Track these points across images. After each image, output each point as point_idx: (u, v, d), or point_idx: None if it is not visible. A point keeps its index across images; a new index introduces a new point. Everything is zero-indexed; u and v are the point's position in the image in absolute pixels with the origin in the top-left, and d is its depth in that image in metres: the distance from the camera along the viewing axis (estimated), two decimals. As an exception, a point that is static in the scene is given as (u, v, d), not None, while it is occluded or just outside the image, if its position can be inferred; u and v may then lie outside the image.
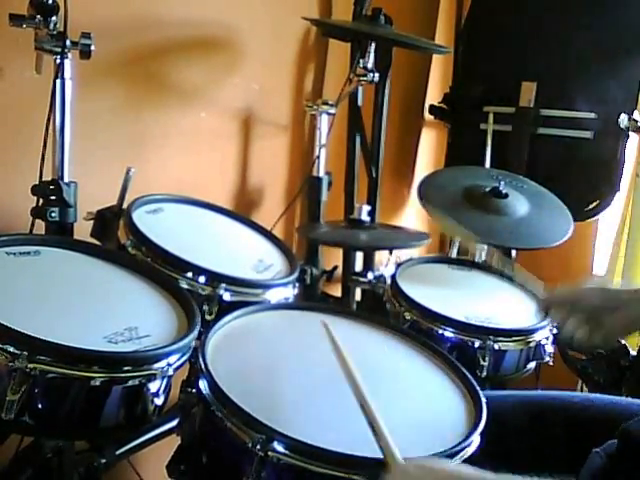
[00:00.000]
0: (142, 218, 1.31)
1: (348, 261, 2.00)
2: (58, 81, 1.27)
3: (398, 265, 1.56)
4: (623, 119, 2.12)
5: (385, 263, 1.66)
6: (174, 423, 1.21)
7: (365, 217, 1.72)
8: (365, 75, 1.80)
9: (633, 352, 1.82)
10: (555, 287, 1.23)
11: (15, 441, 1.24)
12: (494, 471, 0.79)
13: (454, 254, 2.12)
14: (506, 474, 0.77)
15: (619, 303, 1.10)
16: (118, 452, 1.32)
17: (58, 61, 1.26)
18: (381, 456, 0.86)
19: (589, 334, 1.09)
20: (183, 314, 1.10)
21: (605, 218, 2.28)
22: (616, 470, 0.93)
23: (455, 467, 0.86)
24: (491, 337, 1.32)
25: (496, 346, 1.33)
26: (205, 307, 1.20)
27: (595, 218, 2.22)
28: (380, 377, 1.08)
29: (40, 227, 1.31)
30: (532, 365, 1.44)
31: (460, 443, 0.92)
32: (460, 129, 2.44)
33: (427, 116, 2.48)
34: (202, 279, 1.22)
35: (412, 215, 2.47)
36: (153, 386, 0.96)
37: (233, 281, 1.24)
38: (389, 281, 1.49)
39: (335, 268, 1.91)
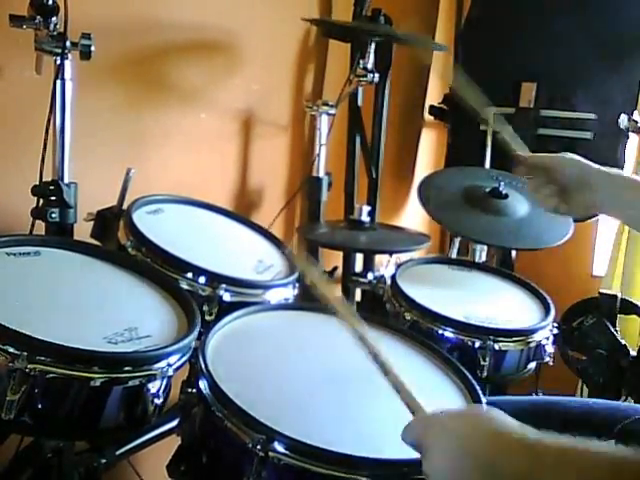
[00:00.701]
0: (142, 219, 1.31)
1: (348, 261, 2.00)
2: (58, 82, 1.27)
3: (398, 265, 1.56)
4: (623, 120, 2.12)
5: (385, 264, 1.66)
6: (174, 423, 1.21)
7: (365, 217, 1.71)
8: (365, 75, 1.80)
9: (633, 352, 1.82)
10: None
11: (15, 441, 1.24)
12: None
13: (454, 254, 2.12)
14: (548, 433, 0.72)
15: (589, 183, 1.18)
16: (118, 452, 1.31)
17: (58, 62, 1.26)
18: (381, 456, 0.86)
19: (557, 205, 1.21)
20: (183, 314, 1.10)
21: (605, 218, 2.28)
22: None
23: (491, 417, 0.76)
24: (491, 337, 1.32)
25: (496, 346, 1.33)
26: (205, 307, 1.20)
27: (595, 218, 2.22)
28: (380, 377, 1.08)
29: (40, 228, 1.32)
30: (532, 365, 1.44)
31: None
32: (460, 129, 2.44)
33: (427, 116, 2.48)
34: (202, 280, 1.22)
35: (412, 215, 2.47)
36: (153, 386, 0.95)
37: (233, 282, 1.24)
38: (389, 281, 1.49)
39: (335, 269, 1.91)
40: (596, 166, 1.21)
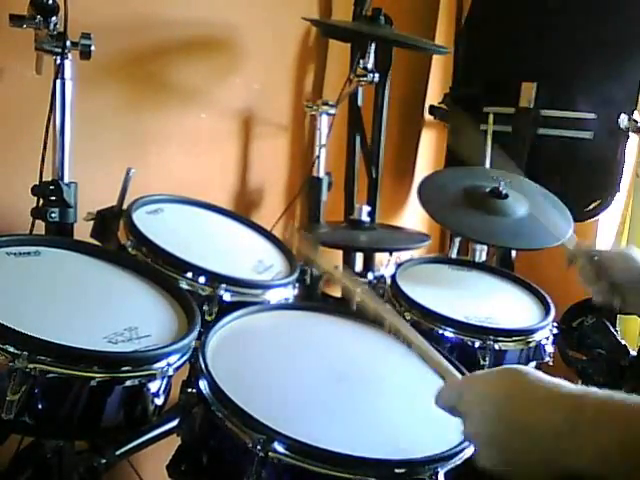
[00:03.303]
0: (142, 218, 1.31)
1: (348, 261, 2.00)
2: (58, 81, 1.27)
3: (398, 265, 1.56)
4: (623, 119, 2.12)
5: (385, 263, 1.66)
6: (174, 423, 1.21)
7: (365, 217, 1.72)
8: (365, 75, 1.80)
9: (633, 352, 1.82)
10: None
11: (15, 441, 1.24)
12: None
13: (454, 254, 2.12)
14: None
15: None
16: (118, 452, 1.31)
17: (58, 61, 1.26)
18: (380, 456, 0.86)
19: (611, 300, 1.20)
20: (183, 314, 1.11)
21: (605, 218, 2.28)
22: None
23: (524, 378, 0.75)
24: (491, 337, 1.32)
25: (496, 346, 1.33)
26: (205, 307, 1.20)
27: (595, 218, 2.22)
28: (380, 377, 1.08)
29: (40, 227, 1.32)
30: (532, 365, 1.44)
31: (461, 443, 0.92)
32: (460, 129, 2.44)
33: (427, 116, 2.48)
34: (202, 279, 1.22)
35: (412, 215, 2.47)
36: (153, 386, 0.96)
37: (233, 281, 1.24)
38: (389, 281, 1.49)
39: (335, 268, 1.91)
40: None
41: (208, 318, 1.19)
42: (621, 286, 1.18)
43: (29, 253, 1.13)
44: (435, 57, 2.44)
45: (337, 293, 2.00)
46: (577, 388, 0.72)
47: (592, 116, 2.17)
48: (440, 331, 1.35)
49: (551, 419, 0.70)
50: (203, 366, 0.97)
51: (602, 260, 1.21)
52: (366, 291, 0.96)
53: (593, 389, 0.71)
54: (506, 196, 1.67)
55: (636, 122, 2.12)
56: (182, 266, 1.22)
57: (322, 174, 1.91)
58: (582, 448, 0.68)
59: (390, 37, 1.81)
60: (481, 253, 1.93)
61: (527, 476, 0.72)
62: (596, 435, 0.68)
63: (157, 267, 1.21)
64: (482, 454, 0.76)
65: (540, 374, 0.75)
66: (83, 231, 1.35)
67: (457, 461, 0.90)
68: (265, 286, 1.29)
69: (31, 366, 0.86)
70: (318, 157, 1.89)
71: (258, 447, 0.85)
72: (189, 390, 1.00)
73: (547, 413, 0.71)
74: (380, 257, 1.88)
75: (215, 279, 1.22)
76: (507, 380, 0.77)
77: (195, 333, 1.04)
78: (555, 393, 0.72)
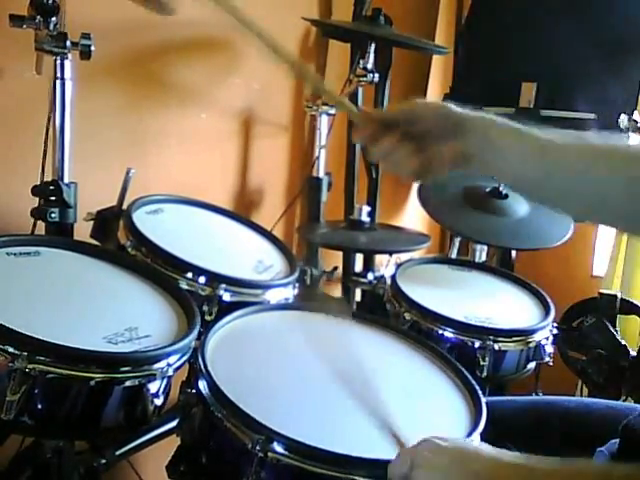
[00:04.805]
0: (142, 219, 1.31)
1: (348, 262, 2.00)
2: (58, 81, 1.27)
3: (398, 265, 1.56)
4: (623, 120, 2.12)
5: (385, 264, 1.66)
6: (174, 423, 1.21)
7: (365, 218, 1.72)
8: (365, 76, 1.80)
9: (633, 352, 1.82)
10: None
11: (15, 441, 1.24)
12: None
13: (454, 254, 2.12)
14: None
15: (459, 128, 0.90)
16: (118, 452, 1.32)
17: (58, 62, 1.26)
18: (380, 456, 0.86)
19: (417, 167, 0.90)
20: (183, 314, 1.10)
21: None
22: None
23: (476, 452, 0.78)
24: (491, 337, 1.33)
25: (496, 346, 1.33)
26: (205, 307, 1.20)
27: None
28: (380, 377, 1.08)
29: (40, 228, 1.32)
30: (532, 365, 1.44)
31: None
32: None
33: (427, 116, 2.48)
34: (202, 279, 1.22)
35: (412, 215, 2.47)
36: (153, 386, 0.96)
37: (233, 281, 1.24)
38: (389, 281, 1.49)
39: (335, 269, 1.91)
40: (472, 113, 0.93)
41: (208, 318, 1.19)
42: (428, 136, 0.90)
43: (29, 253, 1.13)
44: (435, 57, 2.44)
45: (337, 293, 2.01)
46: (524, 457, 0.73)
47: (592, 116, 2.17)
48: (440, 331, 1.35)
49: None
50: (202, 366, 0.97)
51: (412, 115, 0.91)
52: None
53: (539, 458, 0.73)
54: (506, 196, 1.68)
55: (636, 122, 2.12)
56: (182, 266, 1.22)
57: (322, 174, 1.91)
58: None
59: (390, 37, 1.81)
60: (481, 253, 1.93)
61: None
62: None
63: (157, 267, 1.21)
64: None
65: (491, 449, 0.77)
66: (83, 231, 1.35)
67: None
68: (265, 286, 1.29)
69: (31, 366, 0.86)
70: (318, 157, 1.89)
71: (257, 447, 0.85)
72: (188, 390, 1.00)
73: None
74: (380, 257, 1.88)
75: (215, 279, 1.22)
76: (458, 454, 0.78)
77: (195, 333, 1.04)
78: (507, 470, 0.73)
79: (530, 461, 0.72)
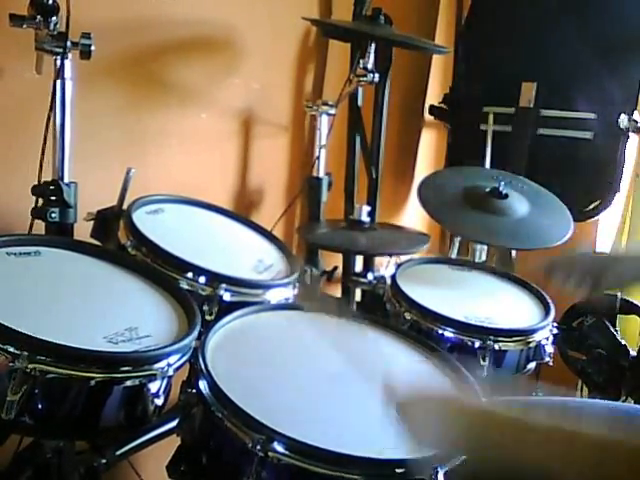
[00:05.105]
0: (142, 219, 1.31)
1: (348, 261, 2.00)
2: (58, 81, 1.27)
3: (398, 265, 1.56)
4: (623, 119, 2.12)
5: (385, 264, 1.66)
6: (174, 423, 1.21)
7: (365, 217, 1.71)
8: (365, 75, 1.79)
9: (633, 352, 1.82)
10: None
11: (15, 441, 1.24)
12: None
13: (454, 254, 2.12)
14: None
15: (608, 264, 1.20)
16: (118, 452, 1.31)
17: (58, 61, 1.26)
18: (380, 456, 0.87)
19: (589, 289, 1.20)
20: (183, 314, 1.11)
21: (605, 218, 2.28)
22: None
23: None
24: (491, 337, 1.33)
25: (496, 346, 1.33)
26: (205, 307, 1.20)
27: (595, 218, 2.22)
28: (380, 377, 1.08)
29: (40, 227, 1.31)
30: (532, 365, 1.44)
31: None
32: (460, 129, 2.44)
33: (427, 116, 2.48)
34: (202, 279, 1.22)
35: (412, 215, 2.47)
36: (153, 386, 0.96)
37: (233, 281, 1.24)
38: (389, 281, 1.49)
39: (335, 269, 1.91)
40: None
41: (208, 318, 1.19)
42: (592, 270, 1.21)
43: (29, 253, 1.13)
44: (435, 57, 2.44)
45: (337, 293, 2.01)
46: (524, 410, 0.78)
47: (592, 116, 2.18)
48: (440, 331, 1.35)
49: (499, 436, 0.74)
50: (203, 366, 0.97)
51: (570, 258, 1.25)
52: None
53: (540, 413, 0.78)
54: (506, 196, 1.67)
55: (636, 122, 2.12)
56: (182, 266, 1.22)
57: (322, 174, 1.90)
58: None
59: (390, 37, 1.81)
60: (481, 253, 1.93)
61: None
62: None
63: (157, 267, 1.21)
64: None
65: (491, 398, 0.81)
66: (83, 231, 1.35)
67: (457, 461, 0.90)
68: (265, 286, 1.29)
69: (31, 366, 0.86)
70: (318, 157, 1.89)
71: (258, 447, 0.86)
72: (189, 390, 1.00)
73: (496, 429, 0.76)
74: (380, 257, 1.88)
75: (215, 279, 1.22)
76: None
77: (195, 333, 1.04)
78: (505, 412, 0.77)
79: (528, 416, 0.73)
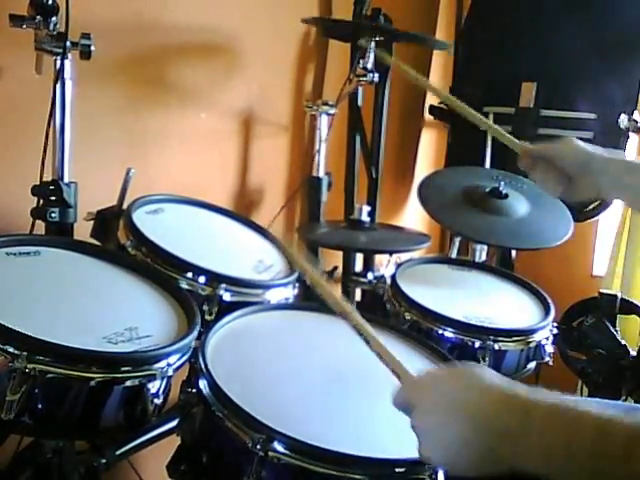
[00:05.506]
0: (142, 218, 1.31)
1: (348, 261, 2.00)
2: (58, 82, 1.27)
3: (398, 265, 1.56)
4: (623, 119, 2.12)
5: (385, 264, 1.66)
6: (174, 423, 1.21)
7: (365, 217, 1.71)
8: (365, 75, 1.79)
9: (633, 352, 1.82)
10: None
11: (15, 441, 1.24)
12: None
13: (454, 254, 2.12)
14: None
15: (591, 169, 1.17)
16: (118, 452, 1.32)
17: (58, 62, 1.26)
18: (380, 456, 0.86)
19: (563, 191, 1.21)
20: (183, 314, 1.10)
21: (605, 218, 2.28)
22: None
23: (480, 373, 0.77)
24: (491, 337, 1.32)
25: (496, 346, 1.33)
26: (205, 307, 1.20)
27: (595, 218, 2.22)
28: (380, 377, 1.08)
29: (40, 227, 1.32)
30: (532, 365, 1.44)
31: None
32: (460, 129, 2.44)
33: (427, 116, 2.48)
34: (202, 279, 1.22)
35: (412, 215, 2.47)
36: (153, 386, 0.96)
37: (233, 281, 1.24)
38: (389, 281, 1.49)
39: (335, 268, 1.91)
40: (598, 151, 1.19)
41: (208, 318, 1.19)
42: (570, 173, 1.19)
43: (29, 253, 1.13)
44: (435, 57, 2.45)
45: (337, 293, 2.01)
46: (530, 390, 0.72)
47: (592, 116, 2.17)
48: (440, 331, 1.35)
49: (502, 418, 0.70)
50: (203, 366, 0.97)
51: (553, 154, 1.22)
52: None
53: (545, 392, 0.72)
54: (506, 196, 1.67)
55: (636, 122, 2.12)
56: (182, 266, 1.22)
57: (322, 174, 1.91)
58: (530, 450, 0.68)
59: (391, 30, 1.80)
60: (481, 253, 1.93)
61: (469, 470, 0.72)
62: (544, 438, 0.68)
63: (157, 267, 1.21)
64: (426, 444, 0.75)
65: (494, 374, 0.76)
66: (83, 231, 1.35)
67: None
68: (265, 286, 1.29)
69: (31, 366, 0.86)
70: (318, 157, 1.89)
71: (258, 447, 0.86)
72: (189, 390, 1.00)
73: (499, 412, 0.71)
74: (380, 257, 1.88)
75: (215, 279, 1.22)
76: (461, 376, 0.78)
77: (195, 333, 1.04)
78: (508, 394, 0.72)
79: (531, 401, 0.70)
